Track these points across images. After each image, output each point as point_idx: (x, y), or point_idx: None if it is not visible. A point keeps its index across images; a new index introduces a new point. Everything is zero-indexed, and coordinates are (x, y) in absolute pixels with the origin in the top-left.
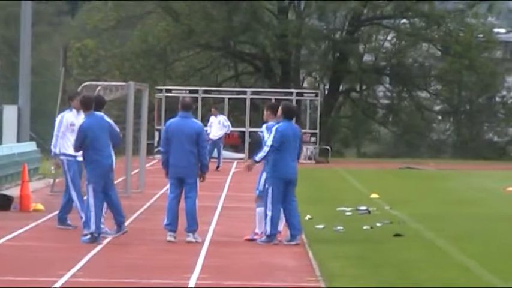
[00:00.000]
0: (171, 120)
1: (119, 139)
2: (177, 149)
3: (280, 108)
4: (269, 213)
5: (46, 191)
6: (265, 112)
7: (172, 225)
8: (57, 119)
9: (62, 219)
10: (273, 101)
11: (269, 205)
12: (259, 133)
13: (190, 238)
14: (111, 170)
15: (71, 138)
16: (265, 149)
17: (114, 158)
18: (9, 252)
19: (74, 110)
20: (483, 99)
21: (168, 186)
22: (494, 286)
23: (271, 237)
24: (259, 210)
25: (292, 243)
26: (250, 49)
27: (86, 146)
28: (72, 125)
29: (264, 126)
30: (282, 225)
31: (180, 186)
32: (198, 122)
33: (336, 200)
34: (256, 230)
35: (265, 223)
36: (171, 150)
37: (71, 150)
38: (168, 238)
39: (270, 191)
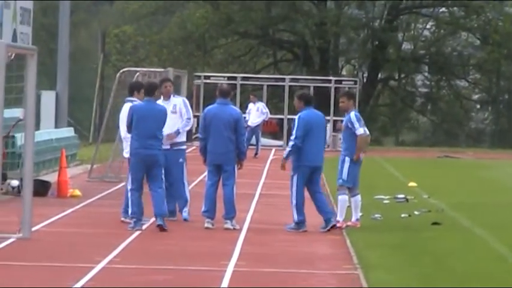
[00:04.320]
0: (210, 106)
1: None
2: (215, 135)
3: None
4: (294, 201)
5: (84, 177)
6: (345, 101)
7: (210, 212)
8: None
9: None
10: (312, 89)
11: (293, 193)
12: None
13: (228, 225)
14: (154, 165)
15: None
16: (290, 143)
17: (160, 152)
18: (46, 238)
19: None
20: None
21: (206, 173)
22: None
23: (299, 224)
24: (342, 198)
25: (329, 227)
26: (289, 37)
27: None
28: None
29: (353, 113)
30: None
31: (218, 174)
32: (237, 108)
33: (373, 188)
34: (338, 218)
35: (292, 211)
36: (209, 137)
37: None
38: (206, 225)
39: (295, 178)
